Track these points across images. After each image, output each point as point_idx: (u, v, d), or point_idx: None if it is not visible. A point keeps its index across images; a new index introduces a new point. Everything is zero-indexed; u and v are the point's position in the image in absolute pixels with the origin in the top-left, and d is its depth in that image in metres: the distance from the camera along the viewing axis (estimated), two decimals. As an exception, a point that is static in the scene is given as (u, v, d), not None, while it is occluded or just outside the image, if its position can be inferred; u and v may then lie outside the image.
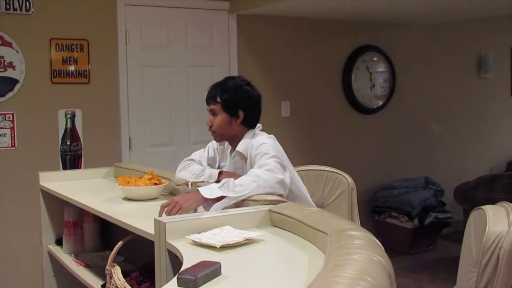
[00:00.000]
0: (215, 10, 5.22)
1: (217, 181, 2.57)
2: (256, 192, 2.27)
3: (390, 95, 6.27)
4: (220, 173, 2.68)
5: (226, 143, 2.79)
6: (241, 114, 2.66)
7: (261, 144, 2.57)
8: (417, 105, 6.48)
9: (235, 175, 2.57)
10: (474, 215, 2.47)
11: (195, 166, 2.79)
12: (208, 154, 2.88)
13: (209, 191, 2.25)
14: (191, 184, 2.38)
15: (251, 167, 2.51)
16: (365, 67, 6.10)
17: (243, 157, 2.64)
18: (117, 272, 2.25)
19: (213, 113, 2.69)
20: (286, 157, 2.61)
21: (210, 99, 2.70)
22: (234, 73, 5.27)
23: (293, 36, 5.63)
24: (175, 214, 2.17)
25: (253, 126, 2.71)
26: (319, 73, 5.80)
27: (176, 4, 5.04)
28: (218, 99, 2.67)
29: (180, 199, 2.24)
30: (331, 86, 5.91)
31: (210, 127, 2.71)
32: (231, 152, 2.76)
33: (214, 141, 2.87)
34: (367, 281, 1.21)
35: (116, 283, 2.21)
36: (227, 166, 2.77)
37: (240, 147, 2.65)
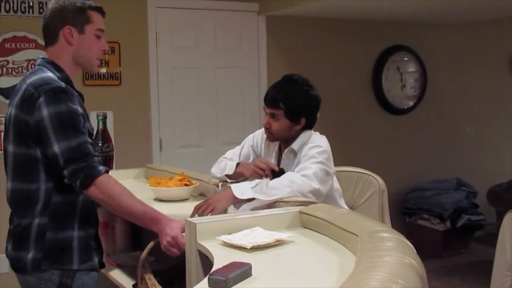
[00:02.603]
0: (244, 12, 5.23)
1: (234, 173, 2.60)
2: (287, 197, 2.27)
3: (421, 95, 6.22)
4: (237, 164, 2.67)
5: None
6: (303, 121, 2.60)
7: (315, 145, 2.53)
8: (448, 105, 6.41)
9: (249, 166, 2.59)
10: (508, 218, 2.43)
11: (223, 162, 2.80)
12: (241, 150, 2.86)
13: (241, 191, 2.25)
14: (221, 185, 2.38)
15: (298, 164, 2.50)
16: (396, 67, 6.06)
17: (294, 154, 2.61)
18: (148, 272, 2.27)
19: (273, 116, 2.60)
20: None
21: (272, 104, 2.59)
22: (263, 74, 5.28)
23: (322, 36, 5.61)
24: (208, 215, 2.18)
25: (310, 128, 2.66)
26: (349, 74, 5.77)
27: (206, 6, 5.06)
28: (281, 105, 2.56)
29: (212, 200, 2.25)
30: (361, 87, 5.88)
31: (267, 128, 2.64)
32: (280, 149, 2.73)
33: (250, 138, 2.86)
34: (399, 284, 1.20)
35: (147, 283, 2.22)
36: (273, 162, 2.71)
37: (295, 145, 2.60)
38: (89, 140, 2.08)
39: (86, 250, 2.18)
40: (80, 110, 2.08)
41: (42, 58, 2.22)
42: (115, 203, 2.09)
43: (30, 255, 2.08)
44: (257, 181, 2.30)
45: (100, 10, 2.24)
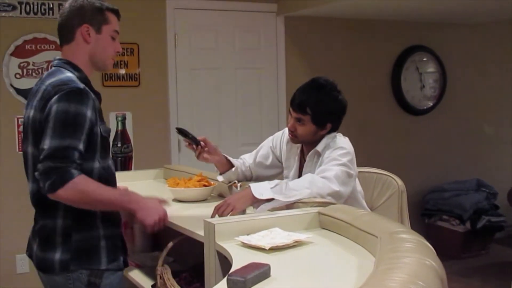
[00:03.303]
0: (262, 13, 5.23)
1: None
2: (306, 198, 2.27)
3: (441, 96, 6.18)
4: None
5: None
6: (328, 126, 2.58)
7: (338, 147, 2.51)
8: (468, 105, 6.35)
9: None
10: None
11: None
12: (258, 151, 2.86)
13: (260, 191, 2.25)
14: (240, 186, 2.39)
15: (321, 165, 2.50)
16: (415, 68, 6.03)
17: (318, 156, 2.60)
18: (167, 273, 2.27)
19: (299, 120, 2.57)
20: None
21: (299, 109, 2.56)
22: (282, 75, 5.28)
23: (341, 37, 5.59)
24: (228, 215, 2.19)
25: (335, 131, 2.64)
26: (367, 74, 5.75)
27: (224, 7, 5.07)
28: (309, 111, 2.53)
29: (231, 200, 2.26)
30: (380, 87, 5.86)
31: (292, 131, 2.62)
32: (302, 151, 2.73)
33: (270, 139, 2.86)
34: (418, 285, 1.19)
35: (166, 284, 2.23)
36: (295, 164, 2.73)
37: (320, 147, 2.59)
38: (82, 149, 2.02)
39: (114, 250, 2.20)
40: (89, 114, 2.05)
41: (59, 59, 2.22)
42: (91, 198, 2.03)
43: (58, 256, 2.09)
44: (276, 181, 2.30)
45: (117, 12, 2.26)
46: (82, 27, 2.18)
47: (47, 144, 1.98)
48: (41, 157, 1.98)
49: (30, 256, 2.24)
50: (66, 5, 2.24)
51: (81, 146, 2.02)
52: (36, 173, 2.00)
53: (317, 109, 2.53)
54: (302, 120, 2.57)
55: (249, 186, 2.29)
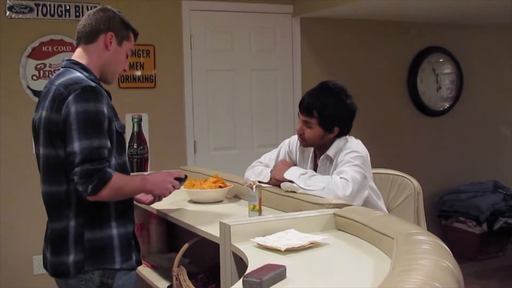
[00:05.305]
0: (278, 14, 5.23)
1: (269, 182, 2.65)
2: (320, 195, 2.31)
3: (457, 97, 6.14)
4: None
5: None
6: (336, 129, 2.60)
7: (351, 151, 2.54)
8: (485, 107, 6.31)
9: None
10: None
11: (260, 167, 2.80)
12: (278, 156, 2.87)
13: (291, 172, 2.49)
14: (256, 187, 2.39)
15: (335, 169, 2.53)
16: (431, 69, 5.99)
17: (330, 160, 2.62)
18: (183, 274, 2.28)
19: (306, 123, 2.60)
20: (369, 162, 2.59)
21: (306, 111, 2.59)
22: (298, 76, 5.27)
23: (357, 38, 5.58)
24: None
25: (345, 134, 2.66)
26: (384, 75, 5.73)
27: (240, 9, 5.07)
28: (315, 114, 2.57)
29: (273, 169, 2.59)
30: (396, 88, 5.83)
31: (300, 134, 2.65)
32: (315, 155, 2.74)
33: (286, 143, 2.87)
34: (435, 287, 1.19)
35: (181, 285, 2.24)
36: (309, 168, 2.72)
37: (331, 151, 2.61)
38: (109, 144, 2.07)
39: (128, 249, 2.19)
40: (106, 111, 2.08)
41: (67, 60, 2.24)
42: (124, 192, 2.14)
43: (72, 258, 2.09)
44: (308, 170, 2.49)
45: (137, 35, 2.35)
46: (108, 34, 2.23)
47: (77, 147, 2.00)
48: (76, 160, 2.00)
49: (45, 267, 2.23)
50: (97, 9, 2.28)
51: (108, 144, 2.07)
52: (75, 177, 2.00)
53: (323, 112, 2.56)
54: (309, 123, 2.60)
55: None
